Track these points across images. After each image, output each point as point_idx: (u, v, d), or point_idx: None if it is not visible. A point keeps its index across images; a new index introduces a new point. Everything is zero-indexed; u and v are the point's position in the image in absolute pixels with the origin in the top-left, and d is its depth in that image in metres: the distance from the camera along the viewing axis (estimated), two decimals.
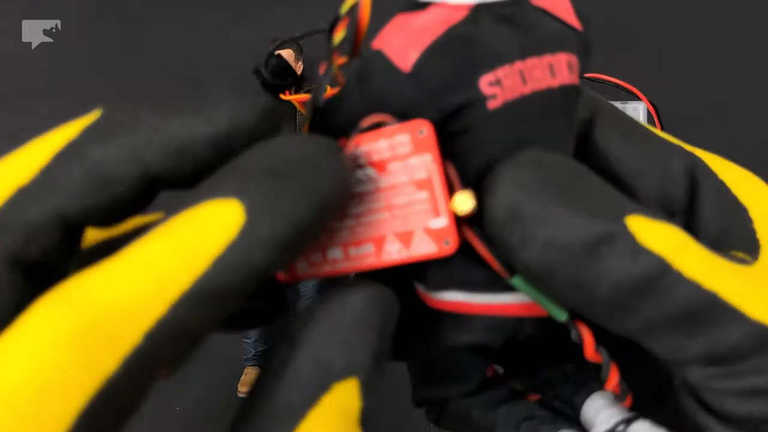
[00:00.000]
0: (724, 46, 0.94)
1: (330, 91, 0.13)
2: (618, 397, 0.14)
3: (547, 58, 0.14)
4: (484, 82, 0.12)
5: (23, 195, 0.10)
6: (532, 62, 0.13)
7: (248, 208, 0.10)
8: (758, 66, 0.93)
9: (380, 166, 0.13)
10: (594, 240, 0.12)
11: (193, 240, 0.10)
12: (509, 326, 0.15)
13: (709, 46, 0.94)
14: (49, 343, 0.09)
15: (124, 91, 0.88)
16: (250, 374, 0.81)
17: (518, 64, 0.13)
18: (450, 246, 0.13)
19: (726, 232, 0.15)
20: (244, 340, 0.82)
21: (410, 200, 0.14)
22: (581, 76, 0.14)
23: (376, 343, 0.12)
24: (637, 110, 0.88)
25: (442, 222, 0.13)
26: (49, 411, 0.09)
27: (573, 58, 0.14)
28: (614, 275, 0.11)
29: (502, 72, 0.13)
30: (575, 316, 0.13)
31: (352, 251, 0.14)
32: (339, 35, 0.13)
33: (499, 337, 0.15)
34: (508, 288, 0.13)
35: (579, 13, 0.15)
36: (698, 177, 0.15)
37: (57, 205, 0.10)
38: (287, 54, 0.78)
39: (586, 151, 0.15)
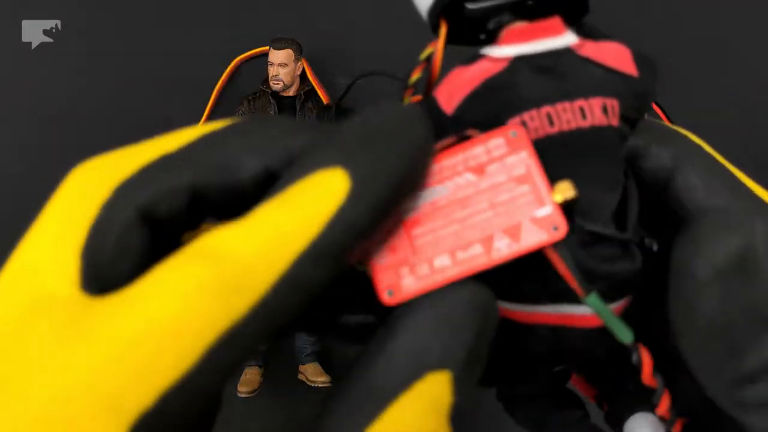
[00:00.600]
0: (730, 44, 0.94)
1: None
2: (667, 423, 0.15)
3: (579, 102, 0.15)
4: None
5: (165, 161, 0.12)
6: (561, 106, 0.15)
7: (352, 175, 0.12)
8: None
9: (478, 169, 0.14)
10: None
11: (308, 205, 0.12)
12: (553, 336, 0.16)
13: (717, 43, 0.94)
14: (189, 288, 0.10)
15: (124, 90, 0.88)
16: (250, 374, 0.81)
17: (546, 108, 0.15)
18: (559, 231, 0.14)
19: None
20: None
21: (512, 196, 0.14)
22: (639, 115, 0.16)
23: (472, 342, 0.13)
24: None
25: (547, 210, 0.14)
26: (183, 343, 0.10)
27: (611, 102, 0.16)
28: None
29: (527, 115, 0.15)
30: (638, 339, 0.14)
31: (461, 255, 0.14)
32: (415, 76, 0.16)
33: (547, 346, 0.16)
34: (552, 300, 0.15)
35: (642, 58, 0.16)
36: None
37: (189, 176, 0.11)
38: (287, 54, 0.78)
39: (667, 195, 0.16)
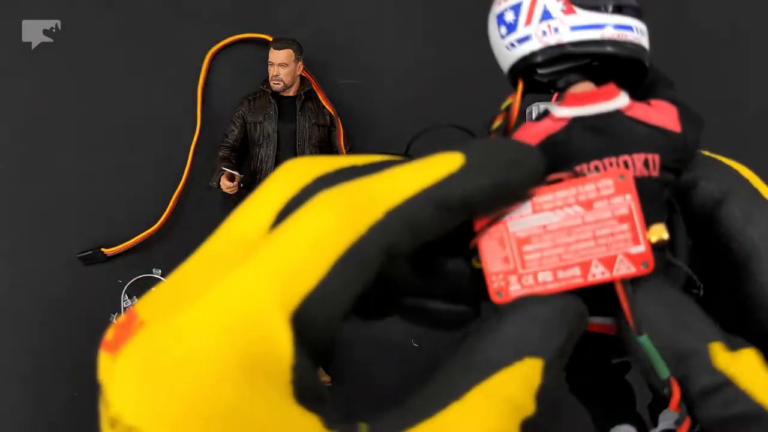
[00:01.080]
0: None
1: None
2: None
3: (624, 157, 0.19)
4: None
5: (354, 169, 0.17)
6: (608, 160, 0.19)
7: (468, 158, 0.16)
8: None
9: (587, 204, 0.17)
10: (685, 353, 0.17)
11: (428, 167, 0.16)
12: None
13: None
14: (326, 211, 0.15)
15: (124, 90, 0.88)
16: None
17: (594, 162, 0.19)
18: (647, 268, 0.17)
19: None
20: None
21: (613, 231, 0.17)
22: (681, 164, 0.20)
23: (563, 341, 0.17)
24: None
25: (641, 248, 0.17)
26: (317, 254, 0.15)
27: (653, 156, 0.19)
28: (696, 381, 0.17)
29: (578, 168, 0.19)
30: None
31: (561, 274, 0.18)
32: (497, 123, 0.20)
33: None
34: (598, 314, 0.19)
35: (687, 114, 0.20)
36: None
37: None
38: (287, 54, 0.78)
39: (712, 227, 0.19)
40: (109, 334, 0.21)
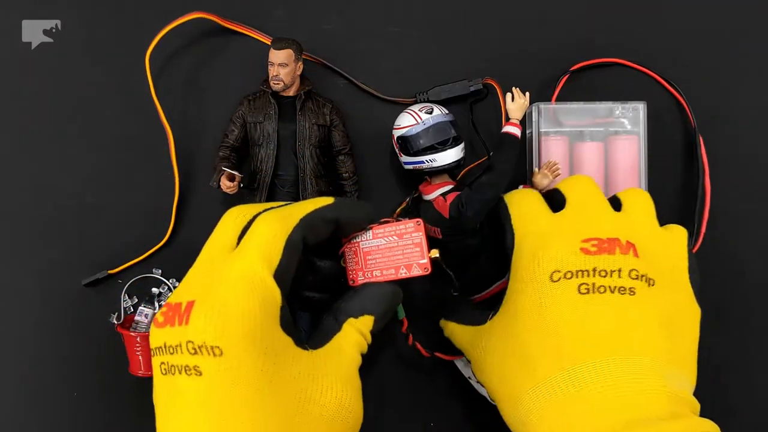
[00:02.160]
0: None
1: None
2: None
3: (430, 227, 0.70)
4: None
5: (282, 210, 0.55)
6: (431, 228, 0.71)
7: (336, 201, 0.55)
8: None
9: (400, 236, 0.59)
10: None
11: (317, 201, 0.54)
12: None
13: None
14: (271, 220, 0.49)
15: (124, 90, 0.88)
16: None
17: (428, 226, 0.69)
18: (427, 271, 0.59)
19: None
20: None
21: (412, 251, 0.59)
22: (455, 233, 0.70)
23: (387, 307, 0.57)
24: (638, 110, 0.88)
25: (425, 261, 0.59)
26: (275, 242, 0.48)
27: (435, 228, 0.71)
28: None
29: (395, 216, 0.79)
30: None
31: (385, 272, 0.58)
32: (402, 207, 0.78)
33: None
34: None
35: (458, 206, 0.68)
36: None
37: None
38: (287, 54, 0.78)
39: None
40: (160, 318, 0.47)
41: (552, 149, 0.83)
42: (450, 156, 0.77)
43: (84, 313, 0.86)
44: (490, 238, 0.73)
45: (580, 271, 0.46)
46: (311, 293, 0.58)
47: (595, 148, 0.83)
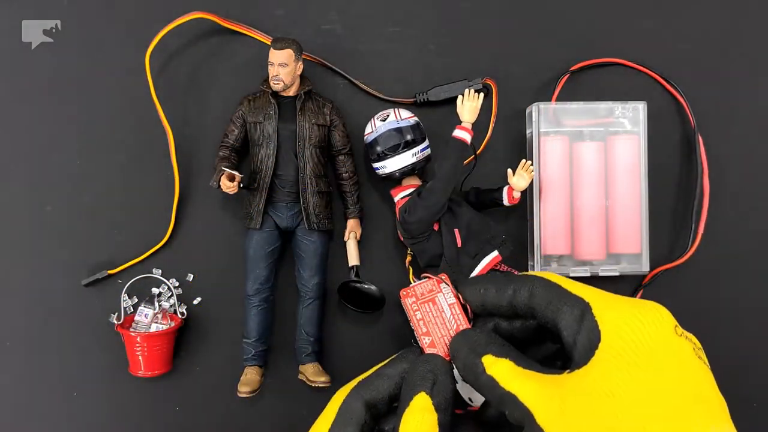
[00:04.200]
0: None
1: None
2: None
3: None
4: None
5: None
6: None
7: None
8: None
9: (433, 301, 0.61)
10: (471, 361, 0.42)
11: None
12: None
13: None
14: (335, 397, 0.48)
15: (124, 90, 0.88)
16: (250, 374, 0.81)
17: None
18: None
19: (579, 352, 0.37)
20: (244, 340, 0.82)
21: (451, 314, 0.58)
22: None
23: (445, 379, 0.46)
24: (638, 110, 0.87)
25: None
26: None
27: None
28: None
29: None
30: None
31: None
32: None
33: None
34: None
35: (405, 207, 0.78)
36: (582, 321, 0.37)
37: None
38: (287, 54, 0.78)
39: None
40: None
41: (552, 149, 0.83)
42: (399, 162, 0.78)
43: (84, 313, 0.86)
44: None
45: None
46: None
47: (595, 148, 0.83)
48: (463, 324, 0.58)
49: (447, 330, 0.58)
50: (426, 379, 0.43)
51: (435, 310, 0.59)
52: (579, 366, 0.35)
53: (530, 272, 0.45)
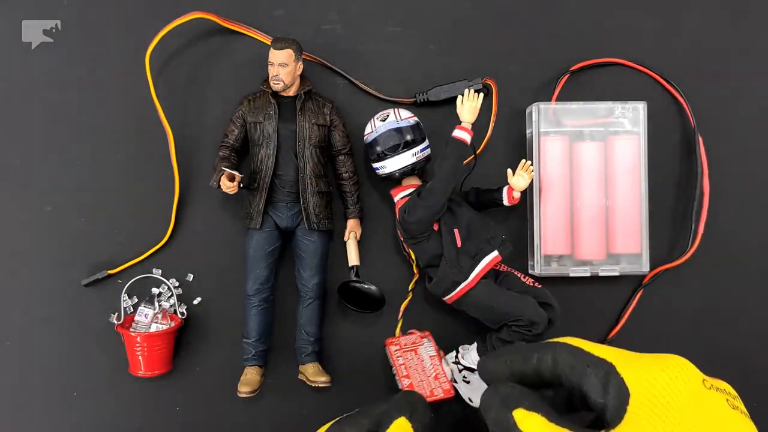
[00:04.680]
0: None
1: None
2: None
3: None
4: None
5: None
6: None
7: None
8: None
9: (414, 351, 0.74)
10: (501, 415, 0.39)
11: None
12: None
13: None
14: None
15: (124, 90, 0.88)
16: (250, 374, 0.81)
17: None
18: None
19: (611, 411, 0.35)
20: (244, 340, 0.82)
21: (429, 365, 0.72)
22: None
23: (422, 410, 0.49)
24: (638, 110, 0.88)
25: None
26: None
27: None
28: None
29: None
30: None
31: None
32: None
33: None
34: None
35: (404, 209, 0.78)
36: (608, 381, 0.36)
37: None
38: (287, 54, 0.78)
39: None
40: None
41: (552, 149, 0.83)
42: (399, 162, 0.78)
43: (84, 313, 0.86)
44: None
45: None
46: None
47: (595, 148, 0.83)
48: (442, 373, 0.70)
49: (426, 376, 0.70)
50: (405, 408, 0.46)
51: (416, 359, 0.71)
52: (612, 426, 0.35)
53: (553, 339, 0.44)
